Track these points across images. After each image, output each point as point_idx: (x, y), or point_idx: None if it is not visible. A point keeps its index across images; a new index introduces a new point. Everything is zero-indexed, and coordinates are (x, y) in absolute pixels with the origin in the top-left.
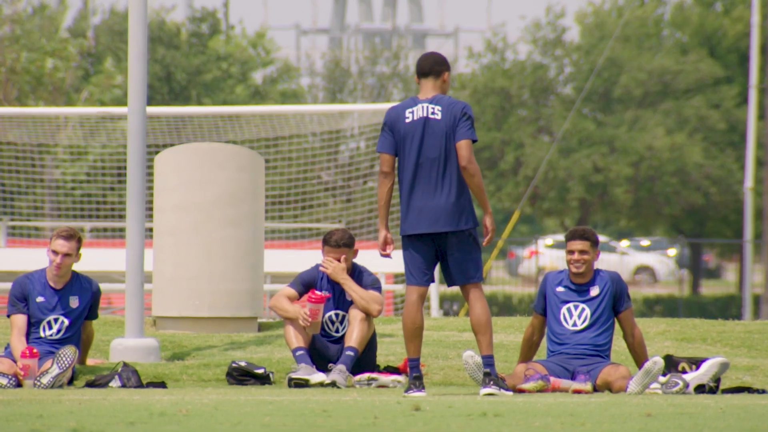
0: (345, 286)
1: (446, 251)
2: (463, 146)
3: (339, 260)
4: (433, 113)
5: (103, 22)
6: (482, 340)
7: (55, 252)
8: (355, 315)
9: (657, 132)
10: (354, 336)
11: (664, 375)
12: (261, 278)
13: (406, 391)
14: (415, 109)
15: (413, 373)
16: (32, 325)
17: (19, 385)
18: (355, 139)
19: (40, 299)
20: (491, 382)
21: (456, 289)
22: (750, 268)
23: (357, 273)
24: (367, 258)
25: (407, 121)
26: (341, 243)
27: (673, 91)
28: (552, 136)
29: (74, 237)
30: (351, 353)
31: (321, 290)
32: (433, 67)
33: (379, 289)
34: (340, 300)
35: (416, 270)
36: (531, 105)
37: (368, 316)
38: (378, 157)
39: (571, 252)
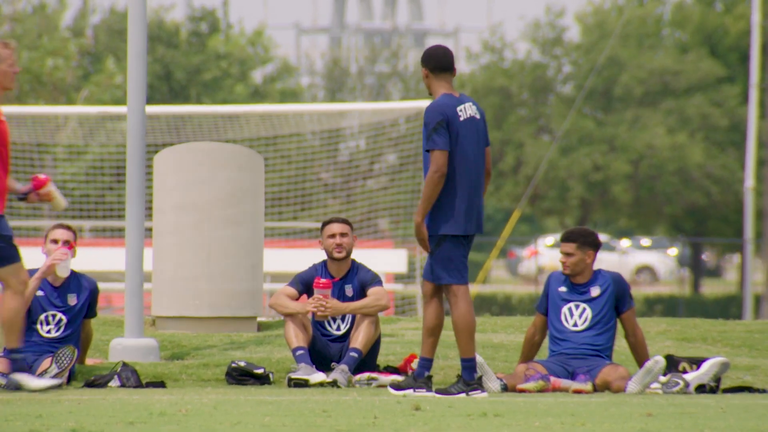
0: (351, 311)
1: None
2: (489, 152)
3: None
4: (475, 113)
5: (102, 21)
6: (435, 343)
7: (54, 241)
8: (362, 317)
9: (657, 131)
10: (360, 338)
11: (664, 375)
12: (261, 278)
13: (470, 392)
14: (464, 107)
15: (475, 373)
16: (30, 324)
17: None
18: (355, 138)
19: (39, 293)
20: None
21: None
22: (750, 268)
23: (355, 270)
24: (367, 258)
25: (461, 119)
26: (342, 219)
27: (674, 90)
28: (552, 135)
29: (71, 228)
30: (355, 354)
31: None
32: (452, 62)
33: (380, 283)
34: (339, 298)
35: (464, 269)
36: (531, 104)
37: (376, 318)
38: (378, 156)
39: (561, 254)
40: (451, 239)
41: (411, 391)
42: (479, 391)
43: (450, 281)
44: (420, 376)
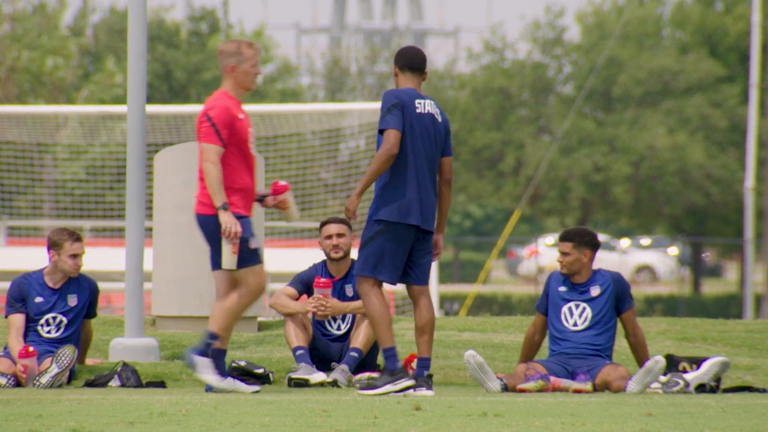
0: (351, 311)
1: (419, 250)
2: (450, 162)
3: (337, 239)
4: (436, 113)
5: (102, 21)
6: (429, 341)
7: (75, 256)
8: (362, 317)
9: (657, 131)
10: (360, 338)
11: (664, 374)
12: None
13: (397, 381)
14: (423, 102)
15: (398, 362)
16: (30, 325)
17: (18, 384)
18: (355, 137)
19: (38, 299)
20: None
21: (455, 288)
22: (751, 268)
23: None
24: None
25: (417, 111)
26: (339, 219)
27: (673, 91)
28: (552, 135)
29: (81, 237)
30: (355, 354)
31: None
32: (424, 64)
33: None
34: (339, 297)
35: (393, 265)
36: (531, 104)
37: None
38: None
39: (559, 253)
40: (391, 230)
41: (389, 386)
42: (406, 380)
43: (370, 274)
44: (419, 375)
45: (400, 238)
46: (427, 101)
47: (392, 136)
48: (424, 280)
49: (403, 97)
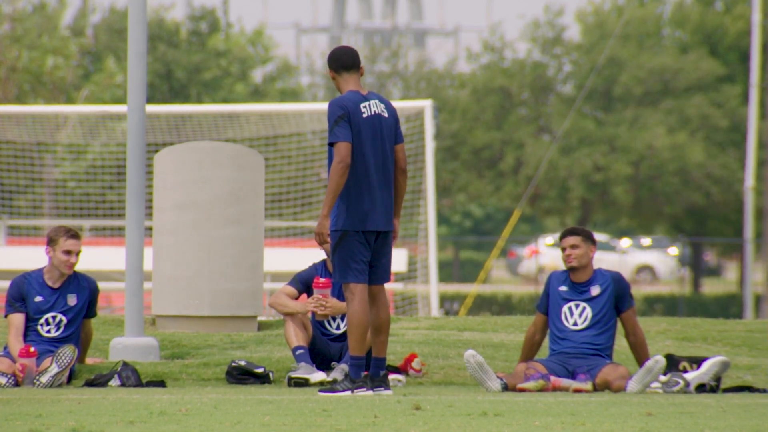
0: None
1: (380, 250)
2: (403, 149)
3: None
4: (382, 110)
5: (102, 21)
6: (384, 341)
7: (68, 252)
8: None
9: (657, 131)
10: None
11: (664, 374)
12: (261, 277)
13: (355, 389)
14: (368, 104)
15: (362, 372)
16: (30, 324)
17: (17, 384)
18: None
19: (38, 299)
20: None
21: (455, 288)
22: (751, 267)
23: None
24: None
25: (364, 115)
26: None
27: (674, 90)
28: (552, 135)
29: (78, 235)
30: None
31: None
32: (357, 60)
33: None
34: (339, 297)
35: (363, 266)
36: (531, 104)
37: None
38: None
39: (563, 249)
40: (352, 235)
41: (348, 393)
42: (365, 389)
43: (348, 279)
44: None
45: (362, 242)
46: (372, 101)
47: (343, 148)
48: (383, 280)
49: (348, 106)
